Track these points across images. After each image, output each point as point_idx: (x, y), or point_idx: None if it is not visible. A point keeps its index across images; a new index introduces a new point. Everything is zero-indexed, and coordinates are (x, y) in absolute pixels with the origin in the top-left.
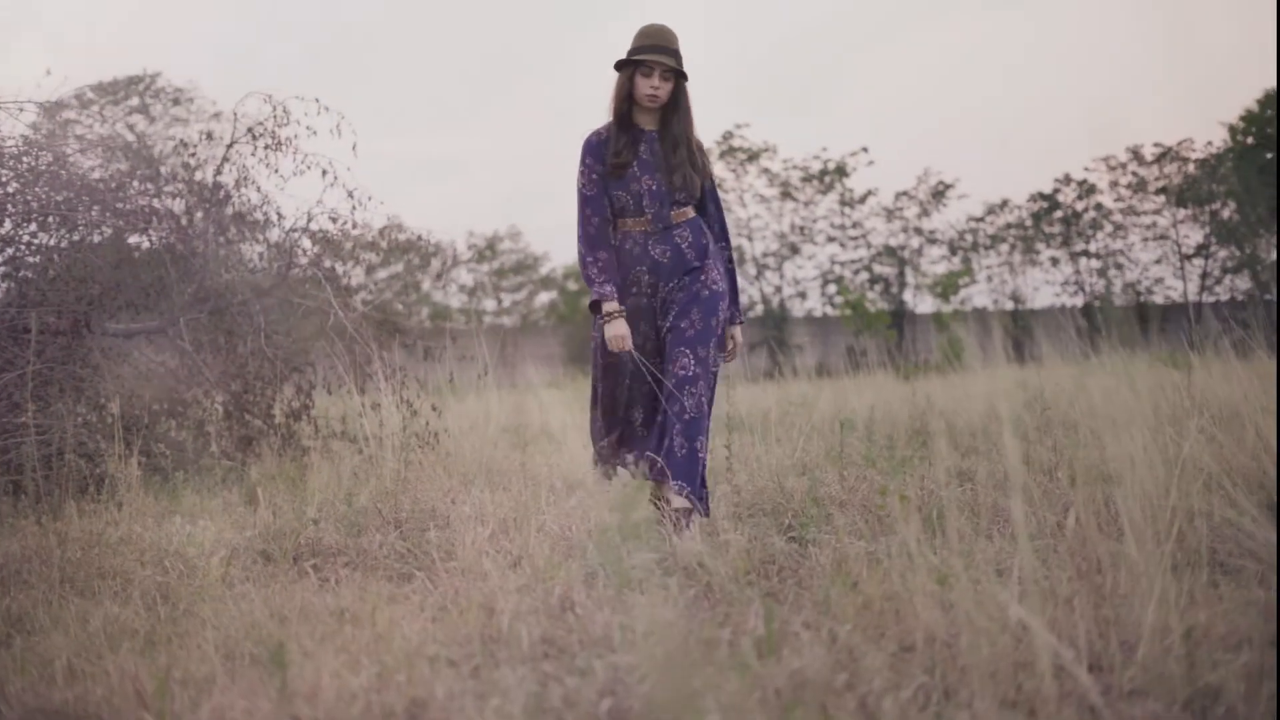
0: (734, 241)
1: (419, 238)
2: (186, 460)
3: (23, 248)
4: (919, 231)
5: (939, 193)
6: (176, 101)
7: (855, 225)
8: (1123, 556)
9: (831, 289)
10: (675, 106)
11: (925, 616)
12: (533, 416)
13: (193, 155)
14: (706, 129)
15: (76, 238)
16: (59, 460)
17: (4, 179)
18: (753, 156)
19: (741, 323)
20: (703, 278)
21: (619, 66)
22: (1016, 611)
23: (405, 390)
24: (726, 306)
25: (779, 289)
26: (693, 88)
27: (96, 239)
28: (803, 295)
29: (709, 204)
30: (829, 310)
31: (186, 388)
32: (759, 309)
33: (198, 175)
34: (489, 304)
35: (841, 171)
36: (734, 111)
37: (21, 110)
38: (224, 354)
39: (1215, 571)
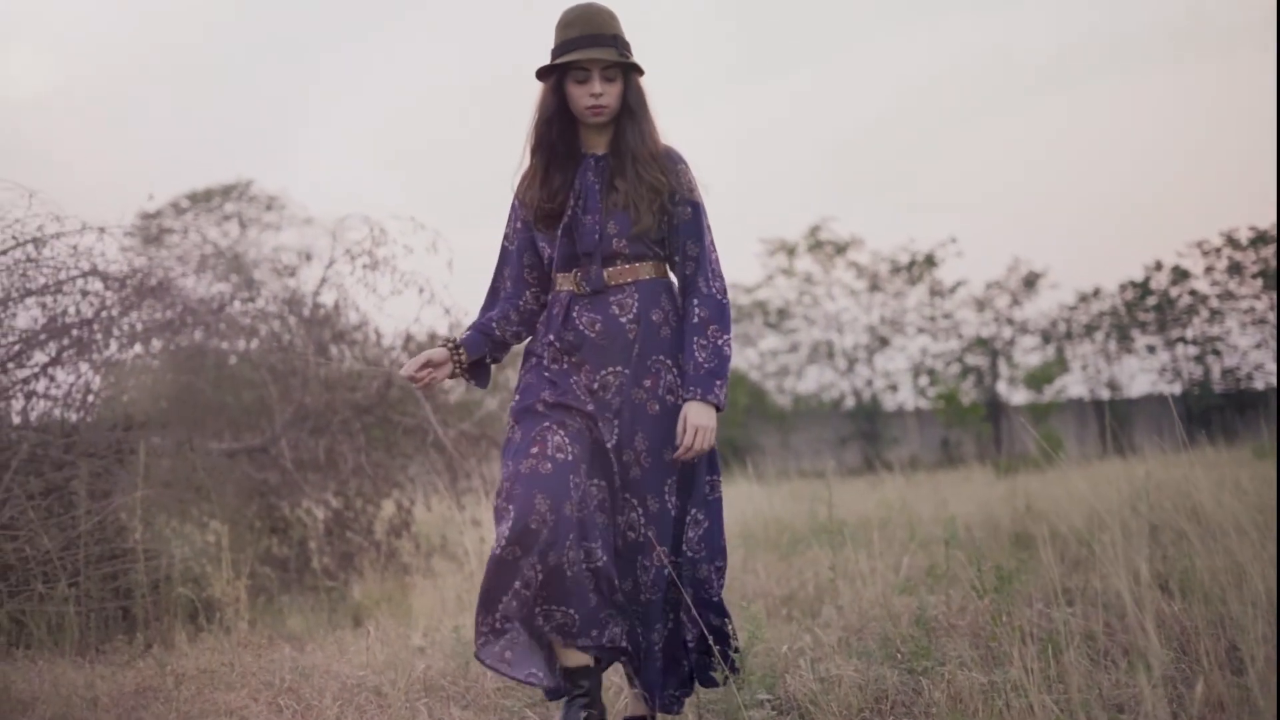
0: (822, 335)
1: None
2: (290, 580)
3: (127, 371)
4: (1010, 322)
5: (1029, 282)
6: (269, 208)
7: (946, 316)
8: (1247, 697)
9: (924, 380)
10: (630, 114)
11: None
12: None
13: (292, 275)
14: (791, 222)
15: (181, 359)
16: (167, 584)
17: (109, 303)
18: (840, 250)
19: (702, 398)
20: (648, 383)
21: (542, 75)
22: None
23: None
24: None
25: (870, 382)
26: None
27: (199, 359)
28: (894, 388)
29: (686, 241)
30: (921, 403)
31: (289, 506)
32: (849, 402)
33: (294, 288)
34: None
35: (930, 262)
36: (820, 203)
37: (125, 234)
38: (324, 471)
39: None
